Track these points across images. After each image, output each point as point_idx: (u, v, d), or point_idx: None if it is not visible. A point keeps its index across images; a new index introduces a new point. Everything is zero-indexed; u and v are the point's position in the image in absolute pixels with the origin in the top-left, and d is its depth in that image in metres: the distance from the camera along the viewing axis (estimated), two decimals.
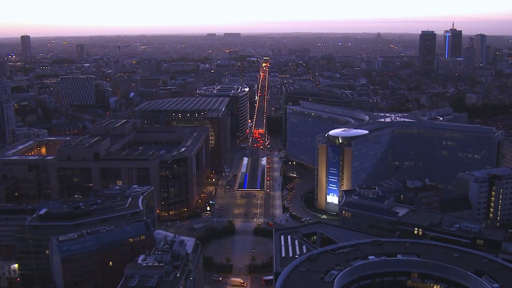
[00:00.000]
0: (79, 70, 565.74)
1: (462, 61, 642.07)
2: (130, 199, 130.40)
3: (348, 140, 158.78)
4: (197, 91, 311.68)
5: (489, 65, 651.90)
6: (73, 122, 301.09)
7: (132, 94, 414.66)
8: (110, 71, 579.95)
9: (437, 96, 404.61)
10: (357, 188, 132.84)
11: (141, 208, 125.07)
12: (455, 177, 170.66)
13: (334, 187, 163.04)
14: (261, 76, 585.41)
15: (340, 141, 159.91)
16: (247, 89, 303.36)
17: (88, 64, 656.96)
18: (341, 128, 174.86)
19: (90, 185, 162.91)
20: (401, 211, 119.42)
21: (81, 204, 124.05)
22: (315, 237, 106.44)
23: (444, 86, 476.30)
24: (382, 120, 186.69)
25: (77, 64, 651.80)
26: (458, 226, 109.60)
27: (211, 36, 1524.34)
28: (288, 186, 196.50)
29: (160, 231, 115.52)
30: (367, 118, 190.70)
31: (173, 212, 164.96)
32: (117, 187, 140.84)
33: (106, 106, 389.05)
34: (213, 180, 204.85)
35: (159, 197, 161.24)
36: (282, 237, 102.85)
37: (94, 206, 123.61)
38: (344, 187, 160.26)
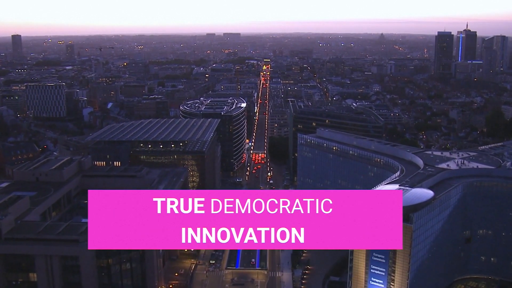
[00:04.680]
0: (57, 75, 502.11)
1: (481, 65, 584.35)
2: None
3: (407, 211, 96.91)
4: (181, 107, 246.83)
5: (510, 70, 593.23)
6: (28, 144, 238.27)
7: (110, 105, 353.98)
8: (92, 75, 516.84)
9: (465, 107, 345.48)
10: None
11: None
12: None
13: (379, 283, 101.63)
14: (262, 81, 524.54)
15: None
16: (243, 105, 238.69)
17: (70, 67, 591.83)
18: (386, 181, 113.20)
19: None
20: None
21: None
22: None
23: (467, 94, 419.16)
24: (445, 165, 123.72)
25: (57, 67, 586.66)
26: None
27: (211, 36, 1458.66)
28: (303, 257, 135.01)
29: None
30: (419, 160, 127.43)
31: None
32: None
33: (79, 119, 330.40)
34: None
35: None
36: None
37: None
38: (397, 285, 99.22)
